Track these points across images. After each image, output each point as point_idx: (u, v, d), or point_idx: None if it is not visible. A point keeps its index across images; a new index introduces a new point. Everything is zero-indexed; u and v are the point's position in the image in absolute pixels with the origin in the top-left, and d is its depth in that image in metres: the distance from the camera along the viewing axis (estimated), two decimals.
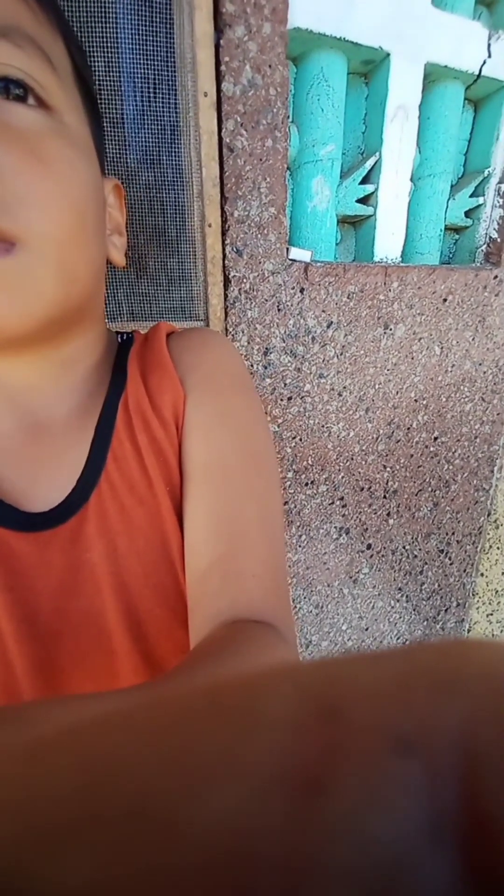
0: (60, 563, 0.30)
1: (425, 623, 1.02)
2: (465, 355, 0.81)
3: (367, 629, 0.95)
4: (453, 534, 0.97)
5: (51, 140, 0.25)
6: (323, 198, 0.66)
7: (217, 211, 0.54)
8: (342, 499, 0.80)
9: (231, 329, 0.60)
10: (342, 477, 0.78)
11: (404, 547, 0.92)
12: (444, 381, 0.80)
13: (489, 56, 0.71)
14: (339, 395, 0.71)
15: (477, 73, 0.71)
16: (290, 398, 0.69)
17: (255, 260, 0.59)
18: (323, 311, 0.65)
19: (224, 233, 0.56)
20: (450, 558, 0.99)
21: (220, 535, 0.29)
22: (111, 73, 0.44)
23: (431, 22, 0.65)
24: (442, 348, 0.78)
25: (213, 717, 0.07)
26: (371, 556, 0.88)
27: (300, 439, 0.72)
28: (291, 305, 0.63)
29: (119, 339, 0.37)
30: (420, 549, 0.94)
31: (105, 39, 0.43)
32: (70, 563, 0.30)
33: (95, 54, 0.43)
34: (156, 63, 0.45)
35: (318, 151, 0.63)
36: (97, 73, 0.43)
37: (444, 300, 0.75)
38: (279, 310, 0.62)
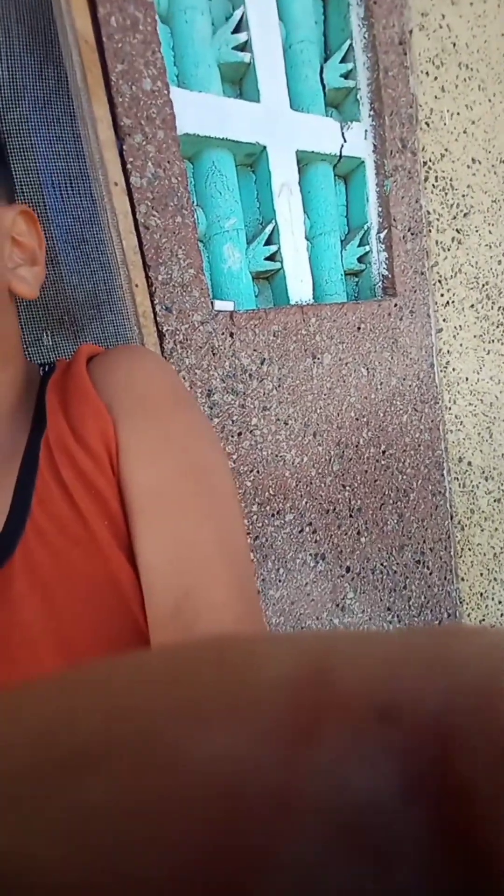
0: None
1: None
2: (389, 373, 0.89)
3: None
4: (425, 542, 1.00)
5: None
6: (235, 260, 0.76)
7: (141, 274, 0.61)
8: (311, 524, 0.82)
9: None
10: (306, 502, 0.81)
11: (382, 564, 0.93)
12: (377, 398, 0.88)
13: (345, 141, 0.88)
14: (286, 423, 0.76)
15: (338, 154, 0.87)
16: (239, 433, 0.73)
17: (183, 314, 0.66)
18: (254, 350, 0.72)
19: (152, 294, 0.63)
20: (428, 567, 1.01)
21: (179, 569, 0.27)
22: (29, 173, 0.52)
23: (294, 120, 0.80)
24: (367, 369, 0.86)
25: (219, 670, 0.08)
26: (352, 578, 0.89)
27: (257, 471, 0.75)
28: (224, 349, 0.69)
29: (41, 372, 0.35)
30: (398, 564, 0.96)
31: (21, 144, 0.52)
32: (5, 599, 0.27)
33: (14, 156, 0.51)
34: (68, 161, 0.54)
35: (223, 224, 0.73)
36: (17, 174, 0.51)
37: (359, 328, 0.85)
38: (214, 354, 0.69)
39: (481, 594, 1.11)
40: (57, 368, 0.34)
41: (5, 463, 0.30)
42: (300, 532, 0.82)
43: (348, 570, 0.89)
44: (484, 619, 1.12)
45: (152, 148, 0.62)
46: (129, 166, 0.60)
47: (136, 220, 0.61)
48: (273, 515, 0.78)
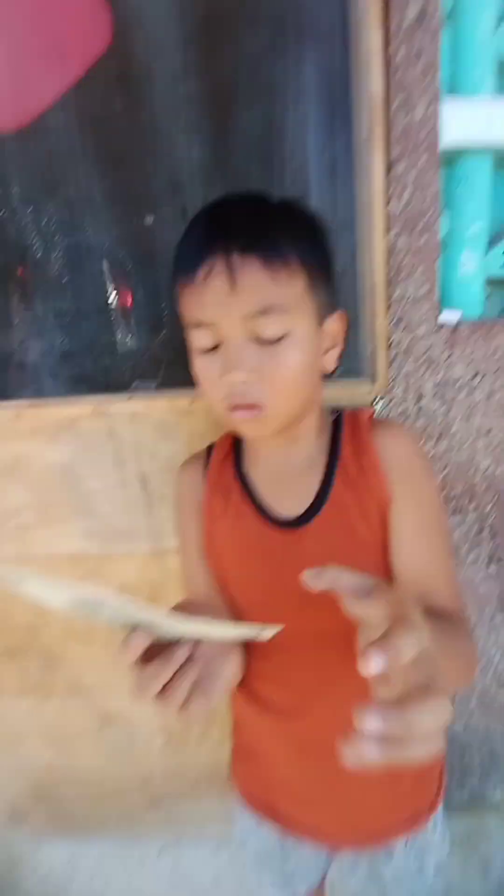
0: (291, 550, 0.51)
1: None
2: None
3: None
4: None
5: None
6: (471, 266, 0.78)
7: (383, 292, 0.72)
8: (491, 527, 0.86)
9: (391, 381, 0.76)
10: (490, 508, 0.84)
11: None
12: None
13: None
14: (487, 433, 0.80)
15: None
16: (439, 435, 0.80)
17: (410, 327, 0.74)
18: (469, 363, 0.76)
19: (387, 308, 0.73)
20: None
21: (424, 573, 0.49)
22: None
23: None
24: None
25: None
26: None
27: (449, 472, 0.82)
28: (441, 360, 0.76)
29: (332, 416, 0.57)
30: None
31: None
32: (297, 552, 0.51)
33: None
34: (344, 193, 0.67)
35: (467, 231, 0.76)
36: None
37: None
38: (430, 364, 0.76)
39: None
40: (344, 421, 0.56)
41: (312, 468, 0.53)
42: (478, 533, 0.87)
43: None
44: None
45: (413, 172, 0.69)
46: (390, 191, 0.69)
47: (389, 240, 0.70)
48: (455, 513, 0.85)
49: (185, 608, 0.40)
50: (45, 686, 0.98)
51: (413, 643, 0.27)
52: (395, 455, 0.51)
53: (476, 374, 0.77)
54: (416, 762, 0.26)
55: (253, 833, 0.66)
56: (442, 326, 0.75)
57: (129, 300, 0.89)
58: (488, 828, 0.99)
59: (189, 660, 0.38)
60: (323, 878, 0.68)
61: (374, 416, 0.56)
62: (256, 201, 0.48)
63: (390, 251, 0.70)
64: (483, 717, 1.00)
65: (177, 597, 0.89)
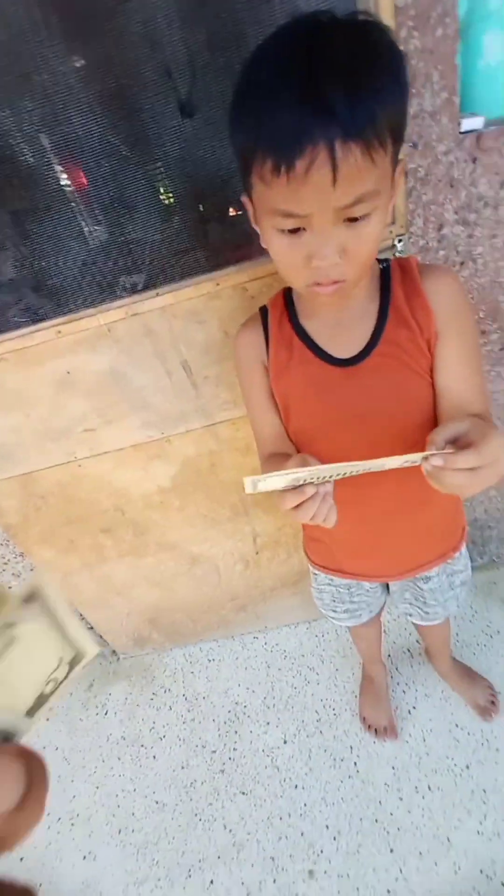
0: (351, 384, 0.60)
1: None
2: None
3: None
4: None
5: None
6: (495, 52, 0.68)
7: None
8: None
9: (409, 216, 0.73)
10: None
11: None
12: None
13: None
14: None
15: None
16: (462, 262, 0.80)
17: (428, 147, 0.69)
18: (496, 173, 0.72)
19: None
20: None
21: (467, 389, 0.58)
22: None
23: None
24: None
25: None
26: None
27: (472, 296, 0.84)
28: (464, 178, 0.72)
29: (380, 265, 0.60)
30: None
31: None
32: (358, 384, 0.60)
33: None
34: None
35: (489, 6, 0.64)
36: None
37: None
38: (452, 186, 0.72)
39: None
40: (392, 268, 0.59)
41: (366, 314, 0.58)
42: (501, 350, 0.93)
43: None
44: None
45: None
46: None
47: None
48: (480, 334, 0.90)
49: (278, 457, 0.60)
50: (139, 548, 1.19)
51: (471, 461, 0.40)
52: (442, 296, 0.56)
53: (502, 185, 0.73)
54: (465, 491, 0.42)
55: (325, 584, 0.87)
56: (465, 137, 0.69)
57: (83, 178, 0.77)
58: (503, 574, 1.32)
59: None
60: (381, 608, 0.94)
61: (420, 262, 0.59)
62: (347, 44, 0.39)
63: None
64: (501, 500, 1.20)
65: (233, 460, 1.02)
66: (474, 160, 0.71)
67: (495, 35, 0.66)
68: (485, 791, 0.99)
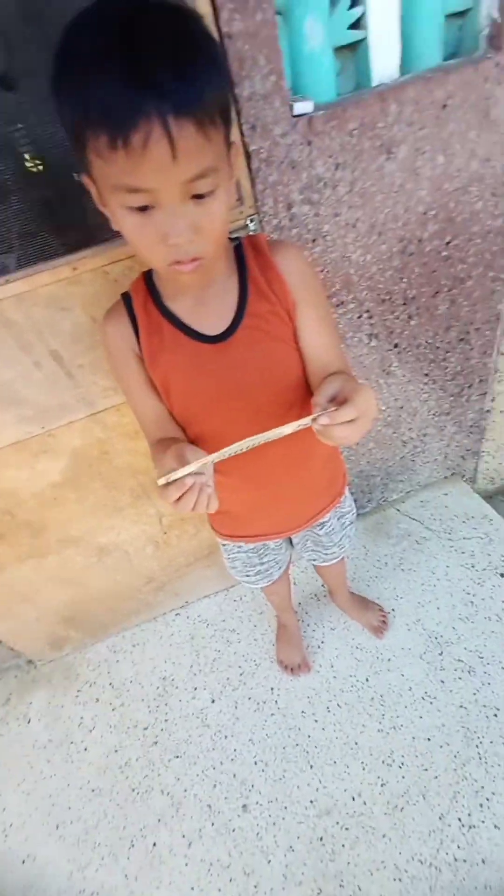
0: (225, 359, 0.63)
1: (451, 399, 1.29)
2: (470, 156, 0.88)
3: (402, 407, 1.24)
4: (472, 323, 1.15)
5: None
6: (317, 36, 0.72)
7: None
8: (368, 311, 1.01)
9: (259, 196, 0.77)
10: (365, 294, 0.98)
11: (427, 341, 1.14)
12: (450, 188, 0.91)
13: None
14: (354, 227, 0.87)
15: None
16: (313, 240, 0.87)
17: (266, 129, 0.72)
18: (329, 156, 0.78)
19: (238, 112, 0.70)
20: (470, 344, 1.19)
21: (326, 351, 0.64)
22: None
23: None
24: (445, 156, 0.86)
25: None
26: (399, 353, 1.12)
27: (327, 271, 0.92)
28: (302, 160, 0.77)
29: (233, 244, 0.63)
30: (441, 341, 1.15)
31: None
32: (231, 359, 0.63)
33: None
34: None
35: None
36: None
37: (444, 106, 0.81)
38: (293, 167, 0.77)
39: None
40: (244, 245, 0.63)
41: (227, 290, 0.61)
42: (358, 318, 1.02)
43: (396, 346, 1.11)
44: None
45: None
46: None
47: (219, 28, 0.63)
48: (338, 305, 0.98)
49: (166, 441, 0.62)
50: (40, 548, 1.15)
51: (350, 413, 0.46)
52: (292, 267, 0.62)
53: (337, 167, 0.80)
54: (344, 441, 0.48)
55: (235, 552, 0.95)
56: (298, 120, 0.73)
57: None
58: (388, 514, 1.52)
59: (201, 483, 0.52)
60: (288, 564, 1.04)
61: (268, 238, 0.64)
62: (167, 25, 0.40)
63: (225, 38, 0.63)
64: (378, 452, 1.34)
65: (124, 447, 1.02)
66: (309, 143, 0.76)
67: (314, 21, 0.71)
68: (382, 696, 1.15)
